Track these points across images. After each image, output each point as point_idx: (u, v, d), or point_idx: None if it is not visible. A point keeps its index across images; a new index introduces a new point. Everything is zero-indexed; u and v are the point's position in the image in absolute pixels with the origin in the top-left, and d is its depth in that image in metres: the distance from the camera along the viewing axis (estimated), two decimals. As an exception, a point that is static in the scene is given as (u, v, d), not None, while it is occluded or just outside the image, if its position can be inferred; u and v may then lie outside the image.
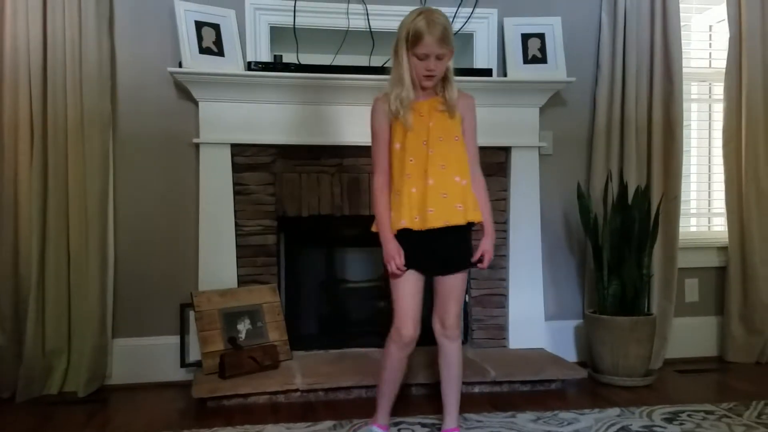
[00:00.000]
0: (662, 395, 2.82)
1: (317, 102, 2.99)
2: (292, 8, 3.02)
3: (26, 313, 2.72)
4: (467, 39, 3.19)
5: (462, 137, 2.13)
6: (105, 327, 2.86)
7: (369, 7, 3.07)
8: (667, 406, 2.60)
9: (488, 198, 2.20)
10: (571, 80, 3.15)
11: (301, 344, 3.06)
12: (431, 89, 2.11)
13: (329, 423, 2.40)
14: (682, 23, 3.29)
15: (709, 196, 3.66)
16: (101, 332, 2.83)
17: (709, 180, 3.64)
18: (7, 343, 2.75)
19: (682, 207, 3.36)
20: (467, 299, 3.17)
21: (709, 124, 3.62)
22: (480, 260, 2.15)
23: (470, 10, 3.15)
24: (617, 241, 3.02)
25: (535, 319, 3.21)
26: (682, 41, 3.27)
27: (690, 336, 3.42)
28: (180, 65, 2.86)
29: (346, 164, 3.07)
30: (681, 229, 3.33)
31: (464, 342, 3.16)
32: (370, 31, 3.08)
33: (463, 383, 2.35)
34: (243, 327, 2.86)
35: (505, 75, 3.18)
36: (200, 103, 2.93)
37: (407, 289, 2.10)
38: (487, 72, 3.09)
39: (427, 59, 2.02)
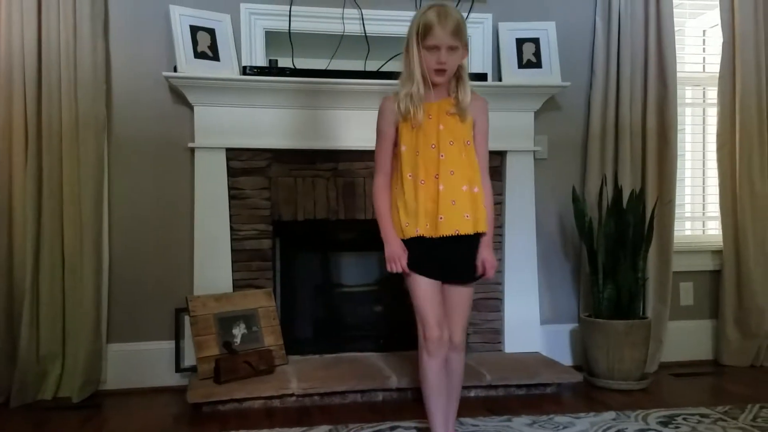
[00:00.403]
0: (658, 399, 2.82)
1: (312, 106, 2.99)
2: (288, 13, 3.02)
3: (20, 318, 2.71)
4: (462, 43, 3.20)
5: (473, 141, 2.04)
6: (99, 332, 2.85)
7: (364, 11, 3.08)
8: (662, 410, 2.60)
9: (492, 205, 2.11)
10: (565, 85, 3.16)
11: (296, 349, 3.05)
12: (443, 89, 2.02)
13: (325, 428, 2.40)
14: (676, 28, 3.31)
15: (704, 200, 3.67)
16: (96, 337, 2.82)
17: (704, 184, 3.66)
18: (0, 348, 2.74)
19: (677, 210, 3.37)
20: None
21: (703, 128, 3.63)
22: (483, 272, 2.08)
23: (465, 15, 3.15)
24: (612, 245, 3.03)
25: (530, 322, 3.21)
26: (676, 46, 3.29)
27: (685, 339, 3.42)
28: (175, 69, 2.86)
29: (341, 168, 3.07)
30: (675, 233, 3.33)
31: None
32: (365, 36, 3.08)
33: (459, 387, 2.34)
34: (238, 331, 2.86)
35: (500, 80, 3.19)
36: (195, 108, 2.93)
37: (426, 292, 2.04)
38: (482, 77, 3.09)
39: (438, 51, 1.93)
